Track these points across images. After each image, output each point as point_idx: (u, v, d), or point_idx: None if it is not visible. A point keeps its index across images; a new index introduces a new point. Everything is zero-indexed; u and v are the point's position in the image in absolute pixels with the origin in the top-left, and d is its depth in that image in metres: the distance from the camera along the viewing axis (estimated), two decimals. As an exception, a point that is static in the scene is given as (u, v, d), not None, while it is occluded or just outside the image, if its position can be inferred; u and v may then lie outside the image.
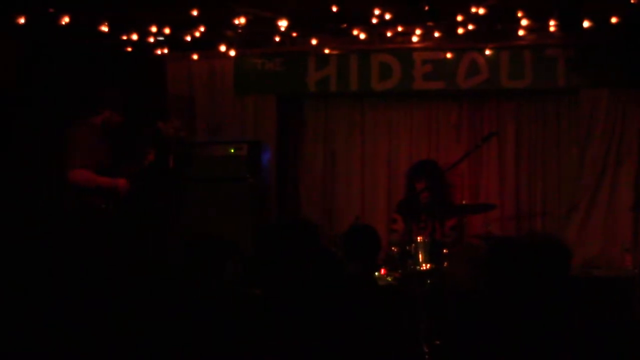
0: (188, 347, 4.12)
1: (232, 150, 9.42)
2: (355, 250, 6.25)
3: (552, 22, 8.61)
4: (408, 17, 8.71)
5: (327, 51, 9.60)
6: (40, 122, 8.94)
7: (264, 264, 4.28)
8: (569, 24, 8.47)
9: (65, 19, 8.17)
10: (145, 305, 4.47)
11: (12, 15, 8.15)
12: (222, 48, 9.39)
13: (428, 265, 7.75)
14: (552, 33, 8.87)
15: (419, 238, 7.91)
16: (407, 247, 7.85)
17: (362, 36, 9.09)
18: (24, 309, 4.78)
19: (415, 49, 9.50)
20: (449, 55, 9.42)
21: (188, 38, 9.11)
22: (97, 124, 7.91)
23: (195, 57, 9.77)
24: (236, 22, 8.56)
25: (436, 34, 9.12)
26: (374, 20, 8.47)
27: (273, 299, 4.23)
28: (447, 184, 9.01)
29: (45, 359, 4.29)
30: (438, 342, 6.64)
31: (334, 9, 8.17)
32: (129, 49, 9.29)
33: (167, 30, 8.84)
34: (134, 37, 8.96)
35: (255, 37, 9.39)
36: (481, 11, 8.16)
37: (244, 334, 4.07)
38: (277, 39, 9.37)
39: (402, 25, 8.97)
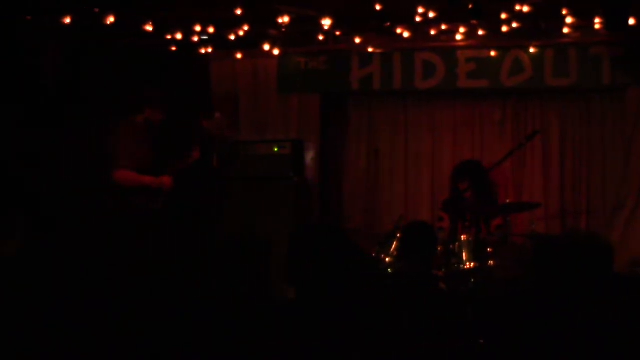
0: (227, 343, 4.16)
1: (276, 149, 9.50)
2: (413, 247, 6.25)
3: (597, 20, 8.54)
4: (452, 15, 8.66)
5: (370, 50, 9.60)
6: (85, 121, 8.99)
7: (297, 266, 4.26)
8: (614, 22, 8.31)
9: (110, 19, 8.18)
10: (188, 301, 4.53)
11: (58, 15, 8.18)
12: (266, 47, 9.39)
13: (472, 264, 7.75)
14: (598, 31, 8.81)
15: (462, 236, 7.90)
16: (451, 246, 7.83)
17: (406, 34, 9.05)
18: (73, 307, 4.82)
19: (459, 47, 9.48)
20: (492, 54, 9.39)
21: (232, 37, 9.12)
22: (140, 122, 7.95)
23: (239, 56, 9.81)
24: (280, 21, 8.53)
25: (480, 32, 9.07)
26: (418, 19, 8.41)
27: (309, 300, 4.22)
28: (491, 183, 8.94)
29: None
30: (482, 341, 6.55)
31: (378, 7, 8.12)
32: (174, 48, 9.34)
33: (211, 30, 8.84)
34: (179, 36, 8.99)
35: (299, 36, 9.41)
36: (525, 9, 8.07)
37: (283, 333, 4.06)
38: (321, 37, 9.35)
39: (445, 24, 8.94)
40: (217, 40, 9.34)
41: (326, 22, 8.45)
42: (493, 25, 8.82)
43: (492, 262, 7.78)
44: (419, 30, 9.11)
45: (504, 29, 8.74)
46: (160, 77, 9.10)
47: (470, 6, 8.04)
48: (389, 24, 8.96)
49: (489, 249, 7.88)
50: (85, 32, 8.72)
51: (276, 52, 9.53)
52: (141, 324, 4.42)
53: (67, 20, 8.26)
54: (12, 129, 8.54)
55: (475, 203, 8.59)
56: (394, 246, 7.96)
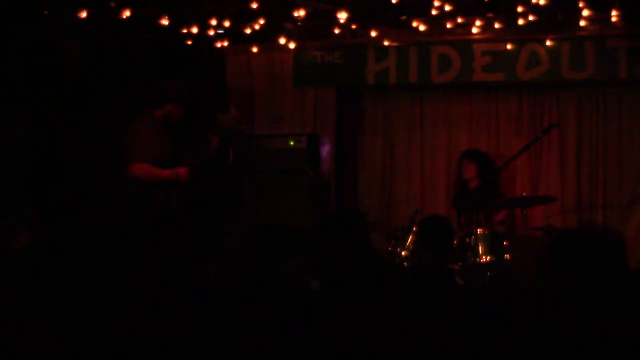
0: (247, 339, 4.12)
1: (292, 143, 9.52)
2: (429, 241, 6.22)
3: (614, 13, 8.45)
4: (468, 8, 8.63)
5: (386, 43, 9.54)
6: (104, 115, 8.98)
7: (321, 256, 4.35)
8: (631, 14, 8.34)
9: (126, 13, 8.18)
10: (204, 297, 4.49)
11: (74, 9, 8.19)
12: (282, 41, 9.36)
13: (488, 258, 7.75)
14: (614, 23, 8.72)
15: (478, 230, 7.87)
16: (467, 239, 7.82)
17: (422, 28, 8.99)
18: (84, 303, 4.70)
19: (475, 41, 9.42)
20: (509, 47, 9.32)
21: (248, 31, 9.05)
22: (158, 116, 7.93)
23: (255, 49, 9.81)
24: (295, 14, 8.51)
25: (496, 25, 8.99)
26: (434, 12, 8.37)
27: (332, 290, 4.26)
28: (497, 176, 8.94)
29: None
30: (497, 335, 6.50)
31: (394, 0, 8.11)
32: (189, 42, 9.33)
33: (226, 23, 8.79)
34: (194, 30, 8.94)
35: (315, 30, 9.37)
36: (542, 1, 8.02)
37: (305, 326, 4.10)
38: (337, 31, 9.28)
39: (462, 17, 8.86)
40: (232, 34, 9.29)
41: (342, 16, 8.39)
42: (509, 18, 8.76)
43: (508, 255, 7.77)
44: (435, 24, 9.04)
45: (520, 22, 8.68)
46: (177, 72, 9.07)
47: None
48: (404, 17, 8.90)
49: (505, 243, 7.86)
50: (102, 27, 8.72)
51: (292, 45, 9.51)
52: (157, 321, 4.37)
53: (84, 15, 8.24)
54: (30, 123, 8.58)
55: (477, 194, 8.62)
56: (410, 240, 8.00)
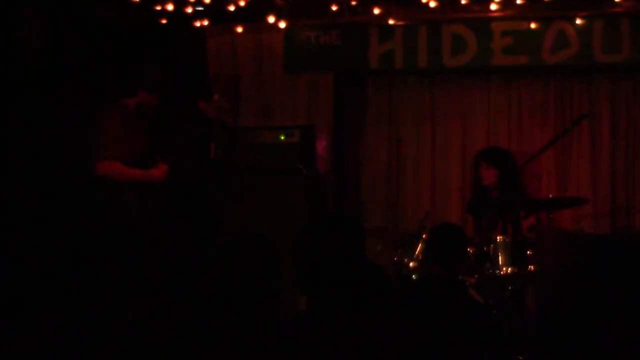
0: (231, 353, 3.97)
1: (283, 137, 8.99)
2: (440, 251, 5.89)
3: (654, -14, 8.14)
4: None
5: (391, 22, 9.07)
6: (66, 107, 8.50)
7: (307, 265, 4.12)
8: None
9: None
10: (185, 314, 4.32)
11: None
12: (271, 19, 8.86)
13: (509, 269, 7.32)
14: (655, -2, 8.37)
15: (498, 238, 7.46)
16: (485, 248, 7.39)
17: (432, 4, 8.60)
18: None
19: (494, 19, 8.95)
20: (532, 26, 8.86)
21: (231, 8, 8.72)
22: (130, 107, 7.55)
23: (239, 29, 9.40)
24: (287, -12, 8.33)
25: (518, 1, 8.59)
26: (446, -14, 8.07)
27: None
28: (522, 177, 8.53)
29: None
30: (520, 358, 6.37)
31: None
32: (164, 21, 8.96)
33: (206, -1, 8.51)
34: (169, 7, 8.62)
35: (309, 7, 9.03)
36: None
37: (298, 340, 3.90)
38: (334, 8, 8.90)
39: (478, -9, 8.58)
40: (214, 12, 8.95)
41: (341, -10, 8.16)
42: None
43: (532, 267, 7.33)
44: (447, -1, 8.71)
45: (546, -4, 8.36)
46: (150, 55, 8.76)
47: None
48: (412, -9, 8.60)
49: (528, 252, 7.39)
50: (66, 4, 8.41)
51: (282, 25, 8.99)
52: (132, 340, 4.25)
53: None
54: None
55: (500, 199, 8.18)
56: (419, 249, 7.61)
